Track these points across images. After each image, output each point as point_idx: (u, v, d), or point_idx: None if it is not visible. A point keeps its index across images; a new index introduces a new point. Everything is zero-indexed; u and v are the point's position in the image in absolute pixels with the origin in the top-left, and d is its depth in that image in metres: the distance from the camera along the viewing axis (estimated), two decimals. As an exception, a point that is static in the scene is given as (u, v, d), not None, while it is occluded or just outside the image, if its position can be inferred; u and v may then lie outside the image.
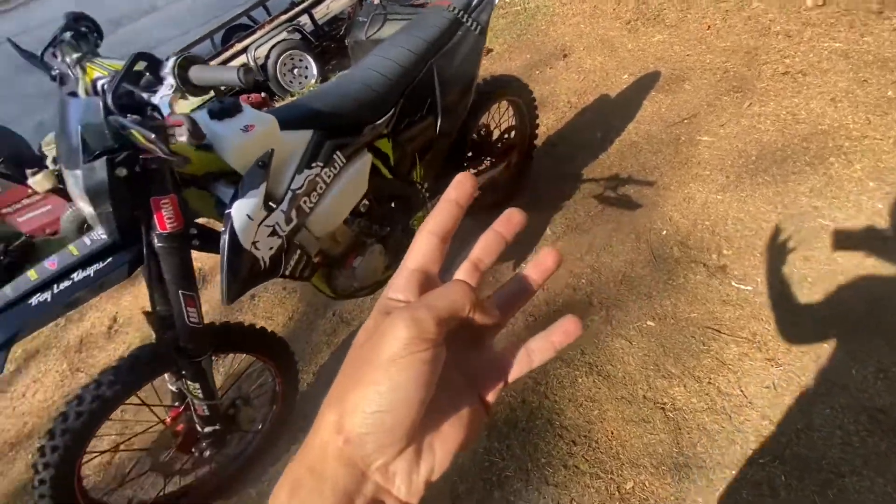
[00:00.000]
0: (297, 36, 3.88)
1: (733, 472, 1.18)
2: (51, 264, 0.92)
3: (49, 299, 0.89)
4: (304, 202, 1.14)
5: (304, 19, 4.01)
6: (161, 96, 0.77)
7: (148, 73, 0.79)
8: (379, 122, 1.30)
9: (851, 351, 1.29)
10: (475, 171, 1.82)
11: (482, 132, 1.82)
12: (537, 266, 0.30)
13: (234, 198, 0.99)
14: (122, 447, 1.28)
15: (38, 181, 2.52)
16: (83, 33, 0.97)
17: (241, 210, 0.99)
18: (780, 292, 1.46)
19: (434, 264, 0.27)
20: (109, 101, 0.76)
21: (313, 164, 1.15)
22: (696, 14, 2.70)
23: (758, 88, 2.13)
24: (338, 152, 1.21)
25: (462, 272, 0.29)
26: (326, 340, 1.84)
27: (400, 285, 0.26)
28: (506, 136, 1.87)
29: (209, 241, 1.08)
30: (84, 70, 0.91)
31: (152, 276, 1.03)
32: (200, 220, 1.20)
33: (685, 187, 1.86)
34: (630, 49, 2.70)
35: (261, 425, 1.48)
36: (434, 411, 0.24)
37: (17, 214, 2.69)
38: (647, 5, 2.92)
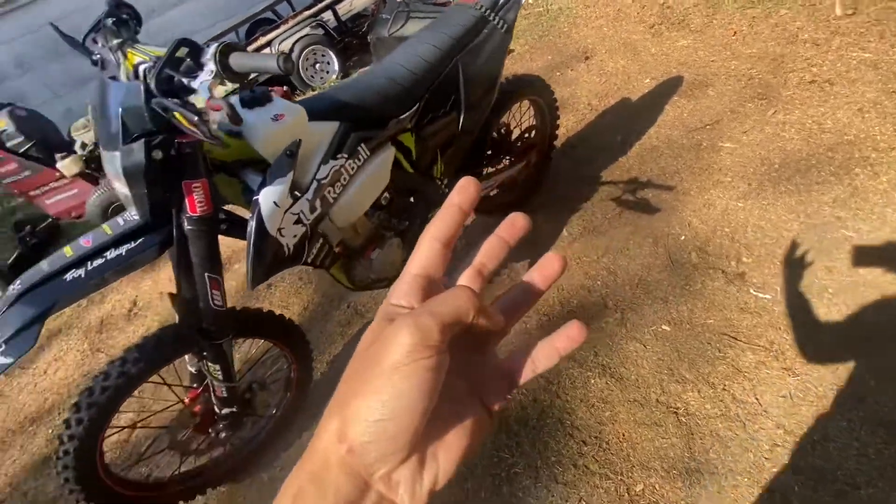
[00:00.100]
0: (321, 31, 3.93)
1: (745, 480, 1.18)
2: (86, 242, 0.95)
3: (83, 276, 0.92)
4: (329, 192, 1.16)
5: (328, 15, 4.06)
6: (201, 82, 0.79)
7: (189, 59, 0.81)
8: (403, 116, 1.31)
9: (870, 363, 1.27)
10: (493, 169, 1.83)
11: (502, 131, 1.82)
12: (542, 271, 0.29)
13: (262, 185, 1.01)
14: (142, 424, 1.31)
15: (67, 165, 2.59)
16: (124, 20, 1.00)
17: (269, 197, 1.01)
18: (799, 302, 1.44)
19: (437, 270, 0.27)
20: (153, 84, 0.79)
21: (338, 156, 1.17)
22: (721, 20, 2.67)
23: (783, 96, 2.10)
24: (362, 144, 1.23)
25: (465, 278, 0.28)
26: (341, 331, 1.86)
27: (403, 291, 0.26)
28: (526, 135, 1.88)
29: (236, 226, 1.10)
30: (125, 55, 0.94)
31: (180, 258, 1.06)
32: (227, 207, 1.23)
33: (705, 193, 1.85)
34: (653, 53, 2.68)
35: (275, 410, 1.51)
36: (437, 419, 0.23)
37: (46, 197, 2.77)
38: (672, 10, 2.90)
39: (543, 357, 0.28)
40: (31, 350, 0.91)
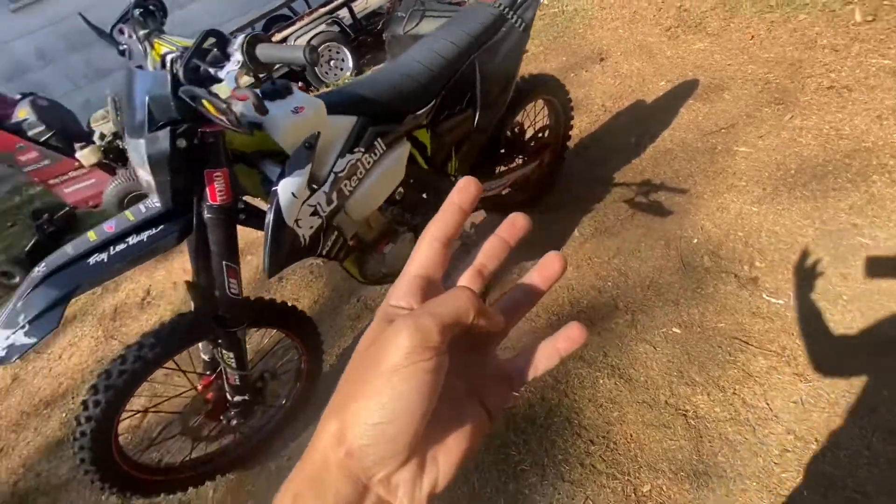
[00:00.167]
0: (336, 28, 3.96)
1: (754, 485, 1.17)
2: (109, 227, 0.97)
3: (105, 260, 0.95)
4: (345, 185, 1.17)
5: (343, 12, 4.09)
6: (227, 71, 0.81)
7: (215, 50, 0.83)
8: (420, 112, 1.32)
9: (884, 372, 1.26)
10: (506, 167, 1.83)
11: (516, 130, 1.83)
12: (542, 271, 0.29)
13: (281, 176, 1.03)
14: (156, 409, 1.33)
15: (85, 155, 2.64)
16: (151, 11, 1.02)
17: (287, 188, 1.02)
18: (813, 308, 1.43)
19: (437, 270, 0.26)
20: (181, 73, 0.81)
21: (355, 149, 1.19)
22: (739, 23, 2.66)
23: (800, 101, 2.08)
24: (379, 139, 1.24)
25: (465, 278, 0.28)
26: (350, 325, 1.88)
27: (402, 292, 0.26)
28: (539, 134, 1.88)
29: (253, 217, 1.12)
30: (151, 45, 0.96)
31: (198, 246, 1.08)
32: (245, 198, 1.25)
33: (719, 197, 1.84)
34: (669, 56, 2.67)
35: (284, 401, 1.53)
36: (437, 421, 0.23)
37: (64, 186, 2.82)
38: (689, 13, 2.88)
39: (544, 358, 0.28)
40: (54, 332, 0.93)
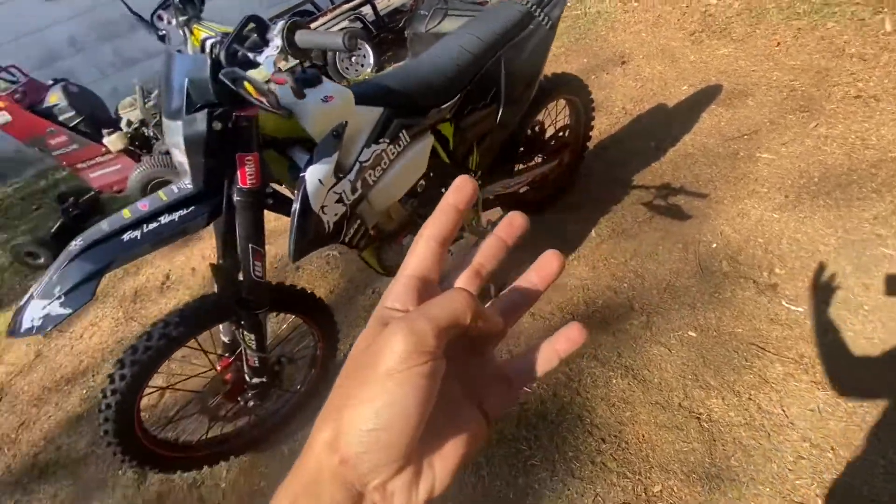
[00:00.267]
0: (359, 25, 4.00)
1: (767, 490, 1.16)
2: (143, 206, 1.00)
3: (139, 237, 0.98)
4: (370, 175, 1.19)
5: (366, 9, 4.13)
6: (267, 56, 0.84)
7: (255, 35, 0.85)
8: (444, 106, 1.34)
9: (905, 384, 1.25)
10: (525, 165, 1.84)
11: (536, 128, 1.83)
12: (539, 271, 0.28)
13: (309, 163, 1.05)
14: (176, 387, 1.37)
15: (112, 141, 2.71)
16: (190, -2, 1.05)
17: (314, 175, 1.05)
18: (833, 317, 1.42)
19: (433, 271, 0.26)
20: (223, 57, 0.83)
21: (381, 140, 1.21)
22: (765, 30, 2.63)
23: (826, 110, 2.06)
24: (404, 131, 1.26)
25: (463, 279, 0.28)
26: (365, 316, 1.90)
27: (398, 293, 0.25)
28: (560, 134, 1.89)
29: (280, 203, 1.15)
30: (191, 31, 0.99)
31: (226, 229, 1.10)
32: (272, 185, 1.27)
33: (740, 202, 1.83)
34: (692, 60, 2.66)
35: (299, 386, 1.55)
36: (433, 426, 0.23)
37: (90, 170, 2.89)
38: (714, 18, 2.86)
39: (543, 359, 0.27)
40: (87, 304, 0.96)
